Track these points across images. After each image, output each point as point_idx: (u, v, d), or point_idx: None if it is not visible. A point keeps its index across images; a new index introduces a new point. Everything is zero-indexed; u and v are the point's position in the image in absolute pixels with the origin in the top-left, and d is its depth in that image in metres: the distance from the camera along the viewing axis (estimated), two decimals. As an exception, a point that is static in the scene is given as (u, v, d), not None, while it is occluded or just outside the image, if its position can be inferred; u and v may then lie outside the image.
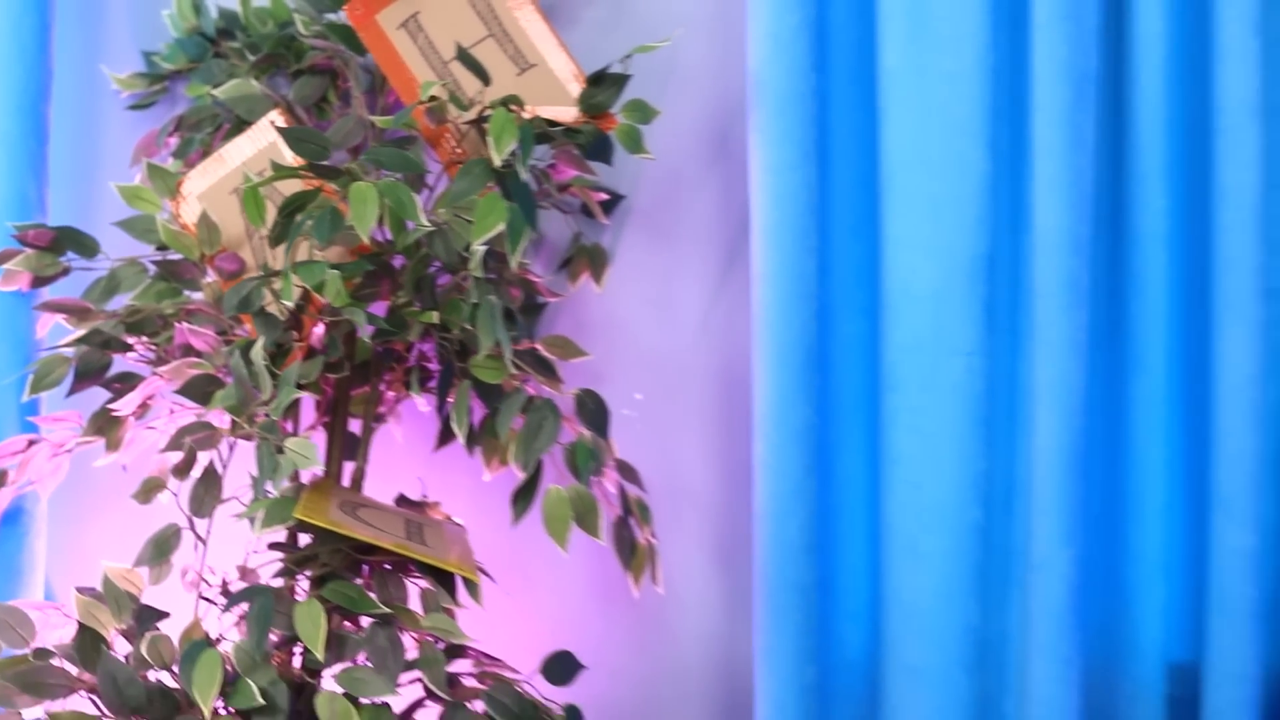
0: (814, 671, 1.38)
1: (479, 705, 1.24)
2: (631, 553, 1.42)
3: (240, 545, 1.35)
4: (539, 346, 1.41)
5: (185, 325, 1.28)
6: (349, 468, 1.40)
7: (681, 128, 1.54)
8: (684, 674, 1.53)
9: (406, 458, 1.51)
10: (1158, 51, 1.38)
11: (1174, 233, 1.40)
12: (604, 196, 1.50)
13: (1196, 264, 1.40)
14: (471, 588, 1.24)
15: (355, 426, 1.42)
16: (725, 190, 1.52)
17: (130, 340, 1.33)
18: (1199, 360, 1.40)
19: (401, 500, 1.42)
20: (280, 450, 1.22)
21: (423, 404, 1.40)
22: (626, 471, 1.45)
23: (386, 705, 1.21)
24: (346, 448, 1.40)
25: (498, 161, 1.23)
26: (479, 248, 1.22)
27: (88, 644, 1.22)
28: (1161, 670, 1.43)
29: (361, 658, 1.21)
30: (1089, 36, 1.37)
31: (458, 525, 1.40)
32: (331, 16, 1.44)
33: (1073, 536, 1.32)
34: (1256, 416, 1.34)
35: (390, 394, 1.42)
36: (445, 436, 1.41)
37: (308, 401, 1.42)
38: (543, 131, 1.32)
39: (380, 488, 1.43)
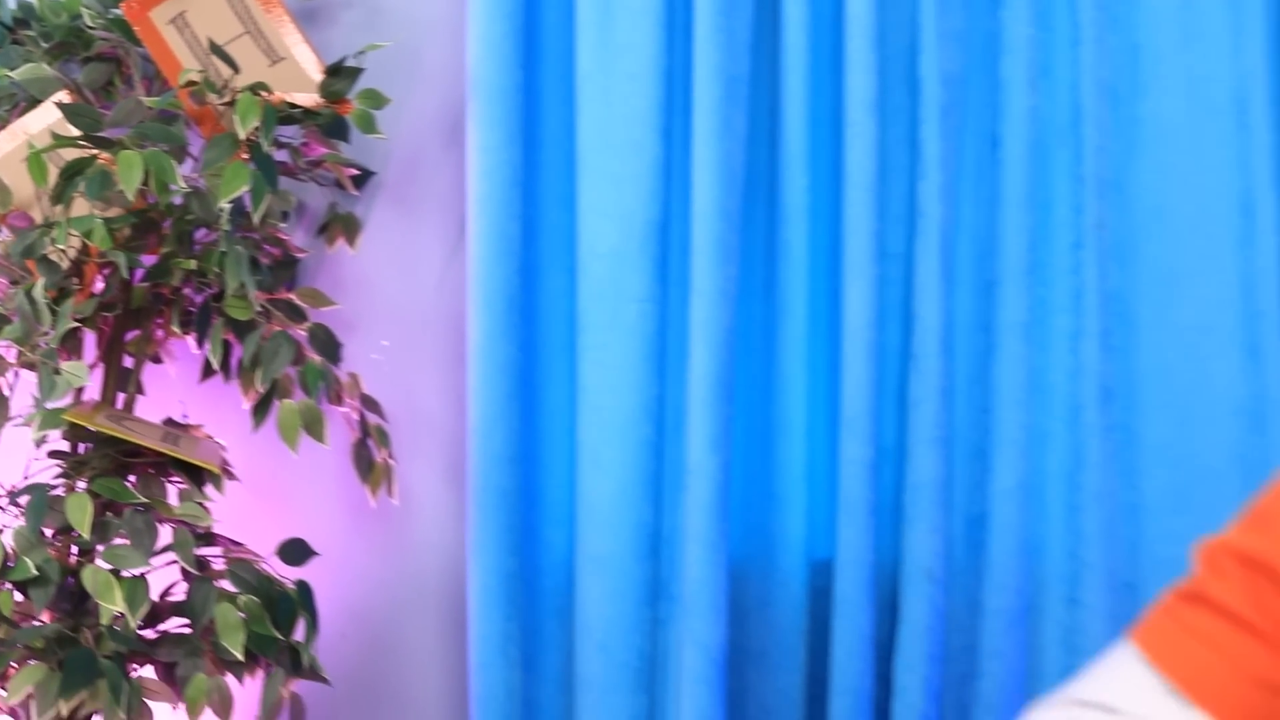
0: (515, 562, 1.67)
1: (225, 584, 1.51)
2: (369, 469, 1.70)
3: (28, 458, 1.60)
4: (293, 296, 1.69)
5: (-20, 273, 1.53)
6: (122, 398, 1.66)
7: (424, 114, 1.83)
8: (418, 574, 1.81)
9: (180, 391, 1.77)
10: (801, 60, 1.71)
11: (813, 206, 1.73)
12: (354, 172, 1.78)
13: (830, 231, 1.73)
14: (216, 480, 1.51)
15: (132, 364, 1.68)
16: (459, 168, 1.80)
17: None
18: (831, 308, 1.73)
19: (168, 422, 1.68)
20: (57, 372, 1.48)
21: (193, 344, 1.66)
22: (369, 403, 1.74)
23: (143, 579, 1.47)
24: (121, 380, 1.66)
25: (242, 135, 1.50)
26: (225, 205, 1.49)
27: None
28: (804, 564, 1.75)
29: (122, 539, 1.47)
30: (742, 47, 1.69)
31: (216, 442, 1.66)
32: (116, 11, 1.69)
33: (720, 446, 1.64)
34: (872, 354, 1.68)
35: (160, 334, 1.67)
36: (208, 370, 1.68)
37: (90, 342, 1.67)
38: (287, 114, 1.60)
39: (153, 416, 1.69)
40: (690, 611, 1.64)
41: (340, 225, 1.79)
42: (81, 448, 1.58)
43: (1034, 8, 1.75)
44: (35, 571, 1.43)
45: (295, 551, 1.59)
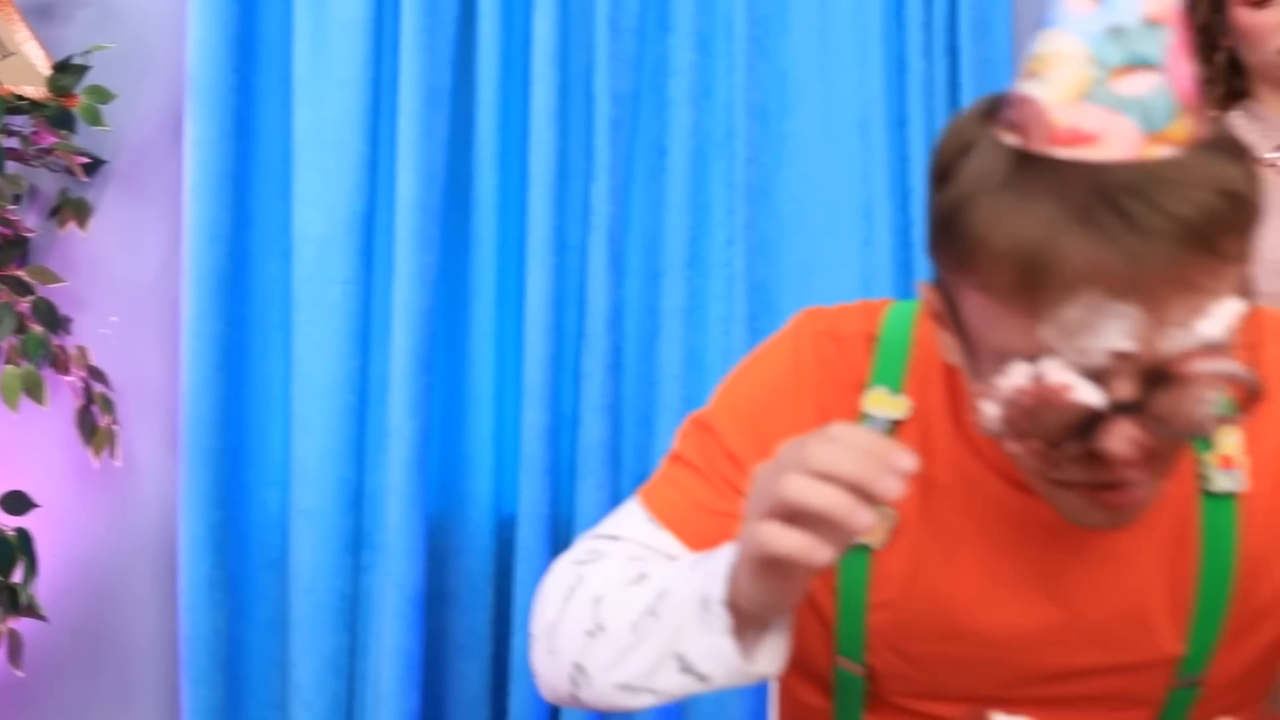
0: (223, 515, 1.87)
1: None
2: (93, 433, 1.87)
3: None
4: (22, 273, 1.84)
5: None
6: None
7: (153, 108, 1.99)
8: (138, 529, 1.98)
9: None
10: (493, 75, 1.95)
11: (502, 203, 1.98)
12: (85, 160, 1.93)
13: (516, 225, 1.99)
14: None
15: None
16: (183, 159, 1.98)
17: None
18: (516, 292, 1.98)
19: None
20: None
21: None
22: (95, 373, 1.91)
23: None
24: None
25: (-31, 124, 1.66)
26: (-51, 187, 1.64)
27: None
28: (492, 518, 2.00)
29: None
30: (444, 62, 1.93)
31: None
32: None
33: (418, 412, 1.87)
34: (550, 333, 1.94)
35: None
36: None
37: None
38: (15, 105, 1.75)
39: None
40: (391, 558, 1.87)
41: (71, 209, 1.94)
42: None
43: (696, 37, 2.05)
44: None
45: (16, 502, 1.74)
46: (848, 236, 2.05)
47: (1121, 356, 0.72)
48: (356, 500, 1.92)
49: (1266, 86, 1.64)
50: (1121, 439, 0.74)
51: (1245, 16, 1.58)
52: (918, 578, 0.93)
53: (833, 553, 0.73)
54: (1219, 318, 0.72)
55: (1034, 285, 0.71)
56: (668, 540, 0.95)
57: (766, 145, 2.08)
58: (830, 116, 2.08)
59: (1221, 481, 0.90)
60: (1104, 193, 0.70)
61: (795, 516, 0.72)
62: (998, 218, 0.72)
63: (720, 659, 0.82)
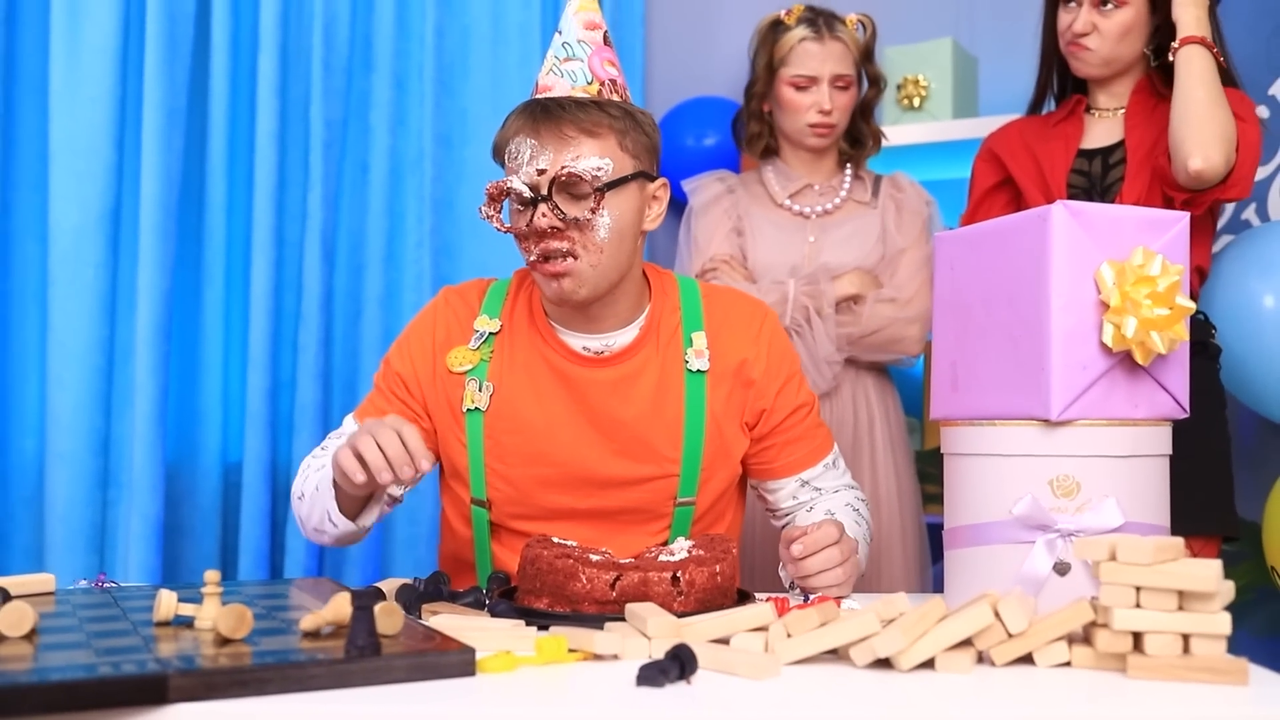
0: (-17, 460, 2.22)
1: None
2: None
3: None
4: None
5: None
6: None
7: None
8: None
9: None
10: (224, 100, 2.39)
11: (230, 204, 2.41)
12: None
13: (244, 223, 2.43)
14: None
15: None
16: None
17: None
18: (243, 278, 2.42)
19: None
20: None
21: None
22: None
23: None
24: None
25: None
26: None
27: None
28: (220, 464, 2.42)
29: None
30: (181, 85, 2.35)
31: None
32: None
33: (159, 373, 2.27)
34: (271, 312, 2.39)
35: None
36: None
37: None
38: None
39: None
40: (136, 494, 2.26)
41: None
42: None
43: (394, 76, 2.55)
44: None
45: None
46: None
47: (540, 171, 1.44)
48: (105, 445, 2.30)
49: (790, 148, 2.29)
50: (538, 215, 1.44)
51: (788, 94, 2.23)
52: (511, 424, 1.56)
53: (366, 481, 1.35)
54: (590, 161, 1.44)
55: (503, 145, 1.51)
56: None
57: (450, 167, 2.61)
58: (501, 145, 2.62)
59: (695, 363, 1.55)
60: (541, 104, 1.48)
61: (357, 456, 1.34)
62: (501, 129, 1.52)
63: (339, 519, 1.48)
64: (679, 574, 1.17)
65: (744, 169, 2.52)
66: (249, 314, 2.39)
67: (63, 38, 2.27)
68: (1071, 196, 2.07)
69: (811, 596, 1.38)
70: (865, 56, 2.29)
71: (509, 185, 1.45)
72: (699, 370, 1.56)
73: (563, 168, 1.43)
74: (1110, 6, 2.04)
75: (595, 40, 1.50)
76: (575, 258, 1.46)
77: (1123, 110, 2.12)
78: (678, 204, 2.64)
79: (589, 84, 1.48)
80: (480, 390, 1.56)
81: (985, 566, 1.24)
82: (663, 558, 1.23)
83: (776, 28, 2.27)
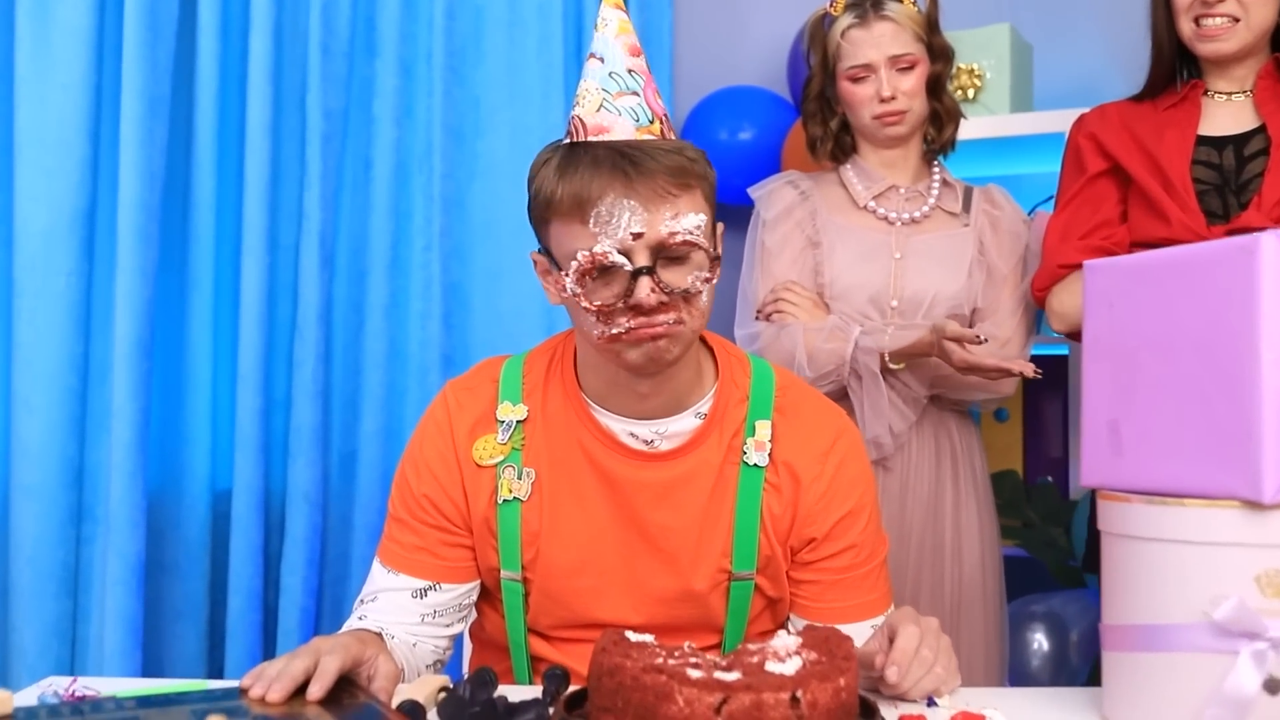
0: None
1: None
2: None
3: None
4: None
5: None
6: None
7: None
8: None
9: None
10: (212, 87, 2.13)
11: (220, 204, 2.16)
12: None
13: (233, 225, 2.18)
14: None
15: None
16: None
17: None
18: (233, 286, 2.17)
19: None
20: None
21: None
22: None
23: None
24: None
25: None
26: None
27: None
28: (209, 492, 2.18)
29: None
30: (164, 71, 2.09)
31: None
32: None
33: (139, 394, 2.02)
34: (264, 324, 2.14)
35: None
36: None
37: None
38: None
39: None
40: (113, 530, 2.01)
41: None
42: None
43: (400, 63, 2.31)
44: None
45: None
46: (531, 244, 2.35)
47: (636, 236, 1.18)
48: (78, 477, 2.05)
49: (867, 144, 2.05)
50: (645, 290, 1.19)
51: (847, 89, 1.98)
52: (552, 526, 1.34)
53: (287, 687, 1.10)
54: (689, 219, 1.21)
55: (581, 203, 1.19)
56: (402, 580, 1.36)
57: (461, 162, 2.36)
58: (517, 138, 2.38)
59: (754, 456, 1.34)
60: (619, 152, 1.20)
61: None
62: (560, 178, 1.21)
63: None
64: (798, 693, 0.94)
65: (785, 169, 2.28)
66: (239, 326, 2.15)
67: (29, 16, 2.02)
68: (1200, 192, 1.84)
69: (938, 701, 1.15)
70: (928, 29, 2.05)
71: (607, 255, 1.19)
72: (756, 465, 1.34)
73: (670, 233, 1.20)
74: None
75: (643, 69, 1.28)
76: (682, 324, 1.24)
77: (1247, 95, 1.89)
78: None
79: (651, 122, 1.25)
80: (520, 478, 1.33)
81: (1165, 678, 1.01)
82: (770, 665, 1.00)
83: (823, 22, 2.04)
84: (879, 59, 1.96)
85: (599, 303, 1.21)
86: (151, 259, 2.06)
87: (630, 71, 1.26)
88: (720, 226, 1.31)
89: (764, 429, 1.35)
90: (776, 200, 2.03)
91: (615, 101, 1.24)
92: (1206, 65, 1.93)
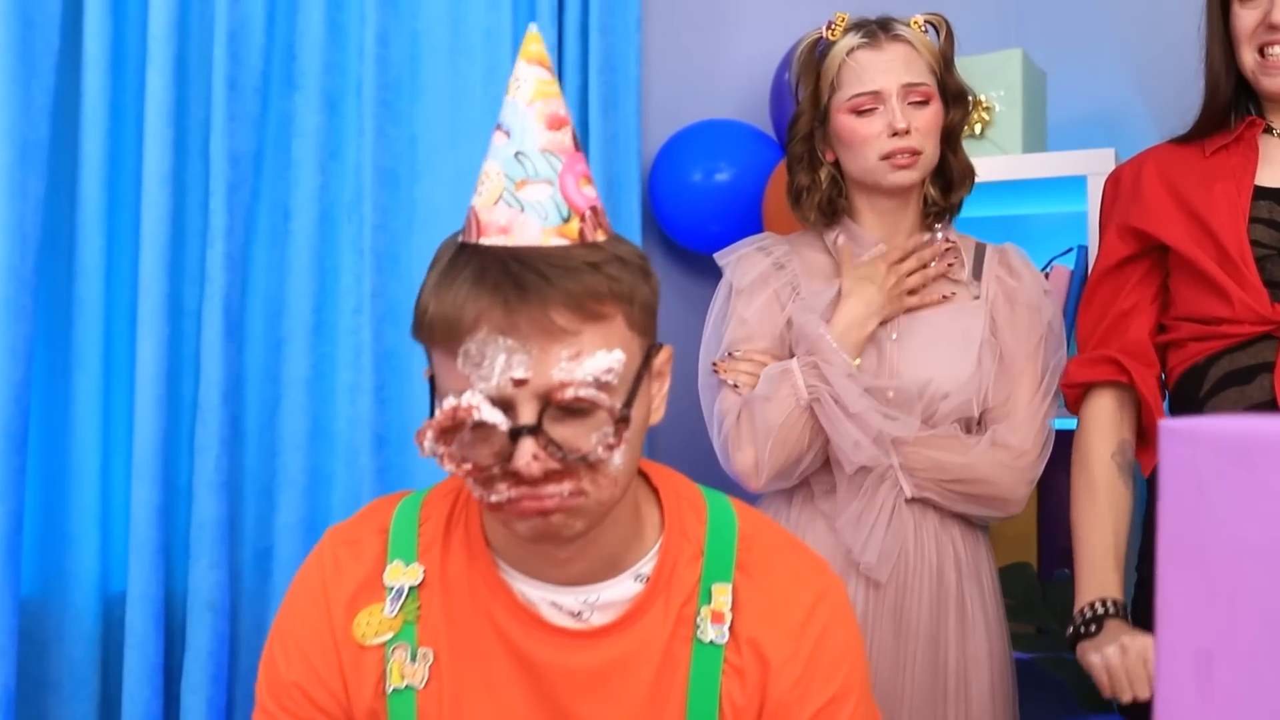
0: None
1: None
2: None
3: None
4: None
5: None
6: None
7: None
8: None
9: None
10: (100, 129, 1.82)
11: (110, 265, 1.86)
12: None
13: (127, 289, 1.87)
14: None
15: None
16: None
17: None
18: (126, 361, 1.87)
19: None
20: None
21: None
22: None
23: None
24: None
25: None
26: None
27: None
28: (98, 599, 1.87)
29: None
30: (41, 113, 1.78)
31: None
32: None
33: (11, 494, 1.72)
34: (162, 404, 1.83)
35: None
36: None
37: None
38: None
39: None
40: (-21, 649, 1.71)
41: None
42: None
43: (324, 97, 2.00)
44: None
45: None
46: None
47: (517, 383, 0.92)
48: (-65, 591, 1.75)
49: (865, 198, 1.73)
50: (526, 456, 0.92)
51: (848, 123, 1.68)
52: (455, 708, 1.05)
53: None
54: (595, 362, 0.93)
55: (451, 333, 0.93)
56: None
57: (396, 211, 2.06)
58: (461, 184, 2.07)
59: (710, 633, 1.04)
60: (505, 266, 0.92)
61: None
62: (435, 293, 0.95)
63: None
64: None
65: (767, 229, 1.97)
66: (134, 407, 1.84)
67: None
68: (1261, 258, 1.54)
69: None
70: (943, 64, 1.75)
71: (472, 411, 0.93)
72: (713, 643, 1.05)
73: (562, 384, 0.93)
74: None
75: (566, 147, 0.99)
76: (584, 495, 0.96)
77: None
78: (682, 256, 2.12)
79: (565, 220, 0.96)
80: (412, 661, 1.04)
81: None
82: None
83: (816, 47, 1.74)
84: (891, 86, 1.66)
85: (469, 465, 0.94)
86: (24, 335, 1.75)
87: (545, 152, 0.97)
88: (664, 353, 1.02)
89: (723, 595, 1.06)
90: (749, 267, 1.73)
91: (519, 193, 0.95)
92: (1269, 102, 1.64)
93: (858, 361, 1.62)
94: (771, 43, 2.28)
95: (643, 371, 0.99)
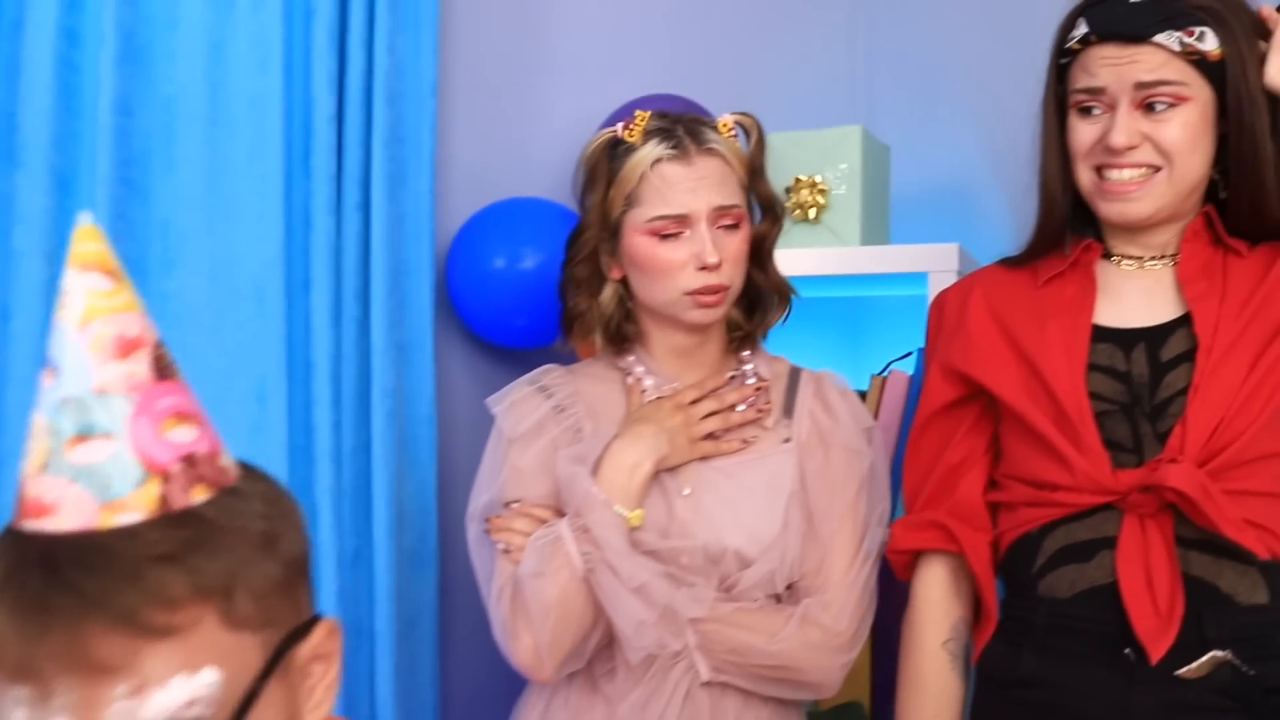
0: None
1: None
2: None
3: None
4: None
5: None
6: None
7: None
8: None
9: None
10: None
11: None
12: None
13: None
14: None
15: None
16: None
17: None
18: None
19: None
20: None
21: None
22: None
23: None
24: None
25: None
26: None
27: None
28: None
29: None
30: None
31: None
32: None
33: None
34: None
35: None
36: None
37: None
38: None
39: None
40: None
41: None
42: None
43: (53, 175, 1.69)
44: None
45: None
46: (238, 421, 1.77)
47: None
48: None
49: (658, 330, 1.51)
50: None
51: (647, 247, 1.45)
52: None
53: None
54: (171, 694, 0.67)
55: None
56: None
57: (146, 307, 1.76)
58: (220, 275, 1.79)
59: None
60: (30, 572, 0.66)
61: None
62: None
63: None
64: None
65: (584, 354, 1.73)
66: None
67: None
68: (1102, 414, 1.36)
69: None
70: (753, 174, 1.53)
71: None
72: None
73: None
74: (1165, 106, 1.34)
75: (137, 378, 0.73)
76: None
77: (1165, 262, 1.43)
78: (486, 350, 1.88)
79: (138, 486, 0.70)
80: None
81: None
82: None
83: (615, 149, 1.50)
84: (701, 209, 1.44)
85: None
86: None
87: (104, 393, 0.71)
88: (318, 634, 0.77)
89: None
90: (524, 414, 1.49)
91: (70, 454, 0.70)
92: (1109, 225, 1.46)
93: (638, 514, 1.39)
94: (589, 112, 2.03)
95: (265, 679, 0.73)
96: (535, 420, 1.47)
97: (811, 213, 1.99)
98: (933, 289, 1.85)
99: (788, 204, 2.00)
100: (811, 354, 2.32)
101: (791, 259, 1.96)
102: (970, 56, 2.32)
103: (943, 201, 2.32)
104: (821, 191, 1.98)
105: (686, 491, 1.45)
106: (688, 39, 2.27)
